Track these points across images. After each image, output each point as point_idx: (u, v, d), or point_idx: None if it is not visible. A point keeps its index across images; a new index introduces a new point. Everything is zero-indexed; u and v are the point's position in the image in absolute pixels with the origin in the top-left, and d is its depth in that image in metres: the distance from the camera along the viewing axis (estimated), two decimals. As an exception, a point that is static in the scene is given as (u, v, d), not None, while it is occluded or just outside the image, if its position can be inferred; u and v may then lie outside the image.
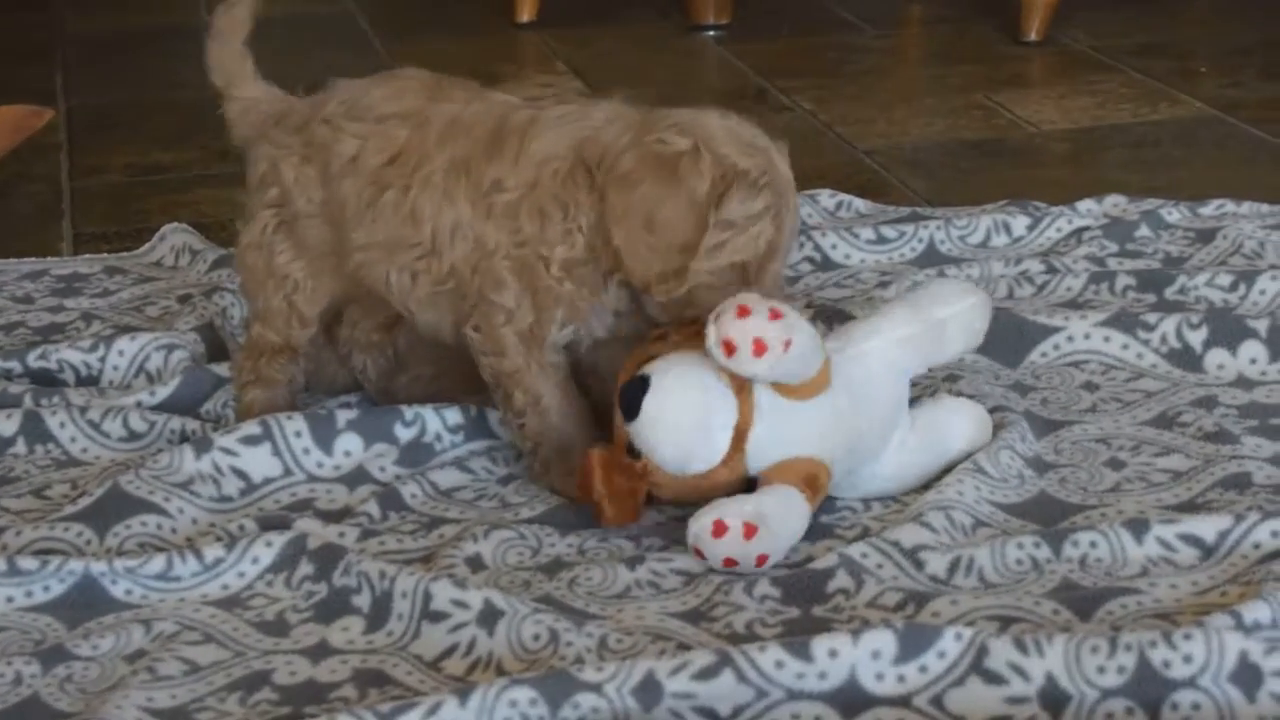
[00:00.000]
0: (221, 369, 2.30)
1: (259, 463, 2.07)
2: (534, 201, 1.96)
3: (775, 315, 1.83)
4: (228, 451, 2.06)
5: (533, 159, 1.96)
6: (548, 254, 1.95)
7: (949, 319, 2.01)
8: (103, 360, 2.36)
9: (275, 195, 2.13)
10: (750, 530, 1.83)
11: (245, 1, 2.19)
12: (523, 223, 1.96)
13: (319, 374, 2.24)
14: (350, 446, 2.09)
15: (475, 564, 1.89)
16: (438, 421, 2.12)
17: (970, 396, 2.14)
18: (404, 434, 2.11)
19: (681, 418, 1.88)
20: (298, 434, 2.09)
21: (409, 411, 2.11)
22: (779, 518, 1.86)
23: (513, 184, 1.96)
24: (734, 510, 1.84)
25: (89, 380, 2.35)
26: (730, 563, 1.84)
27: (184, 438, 2.16)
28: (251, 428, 2.08)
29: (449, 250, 2.00)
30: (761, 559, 1.84)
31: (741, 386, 1.89)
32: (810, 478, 1.91)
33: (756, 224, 1.91)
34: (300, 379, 2.20)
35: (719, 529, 1.83)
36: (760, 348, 1.82)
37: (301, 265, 2.14)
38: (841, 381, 1.93)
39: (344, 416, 2.11)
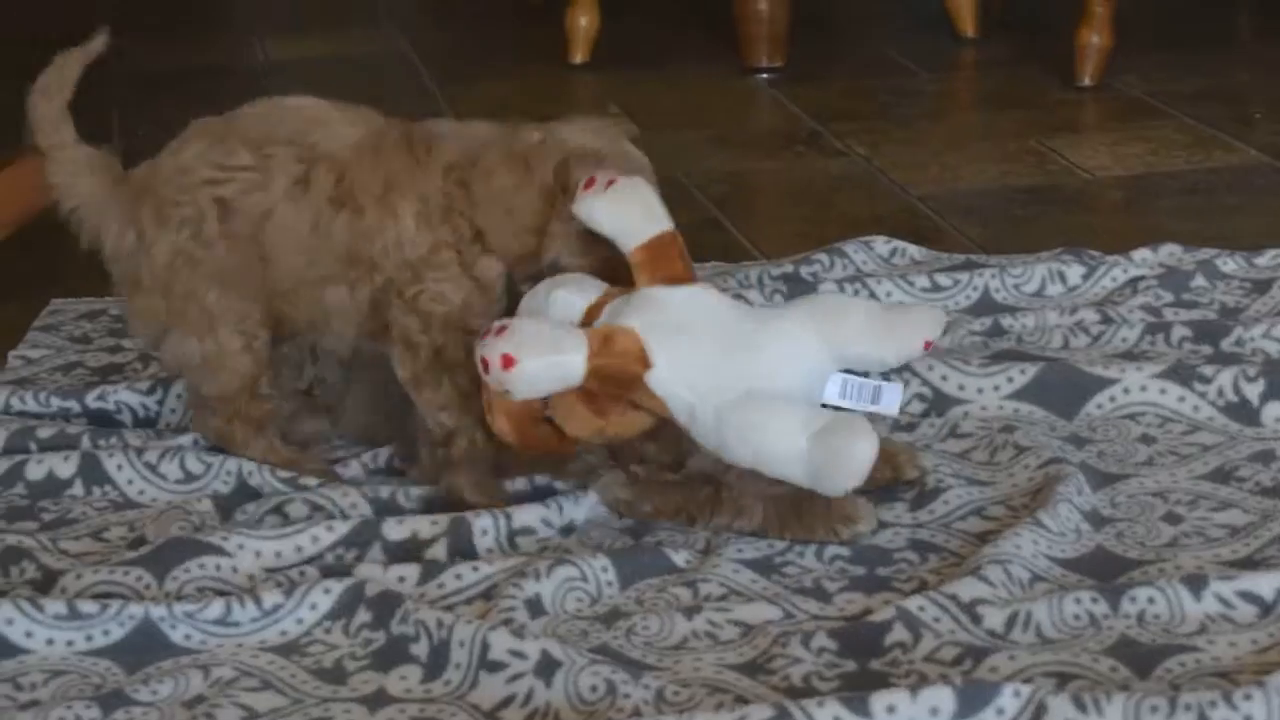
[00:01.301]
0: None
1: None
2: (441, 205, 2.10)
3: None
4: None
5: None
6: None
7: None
8: (160, 403, 2.38)
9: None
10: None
11: (75, 61, 2.19)
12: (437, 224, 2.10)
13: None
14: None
15: (535, 608, 1.89)
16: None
17: (1027, 448, 2.14)
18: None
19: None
20: (354, 506, 2.12)
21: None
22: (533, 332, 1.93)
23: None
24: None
25: (146, 422, 2.37)
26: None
27: (241, 481, 2.17)
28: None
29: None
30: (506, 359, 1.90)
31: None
32: (608, 335, 1.95)
33: None
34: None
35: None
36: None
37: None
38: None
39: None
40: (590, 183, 2.00)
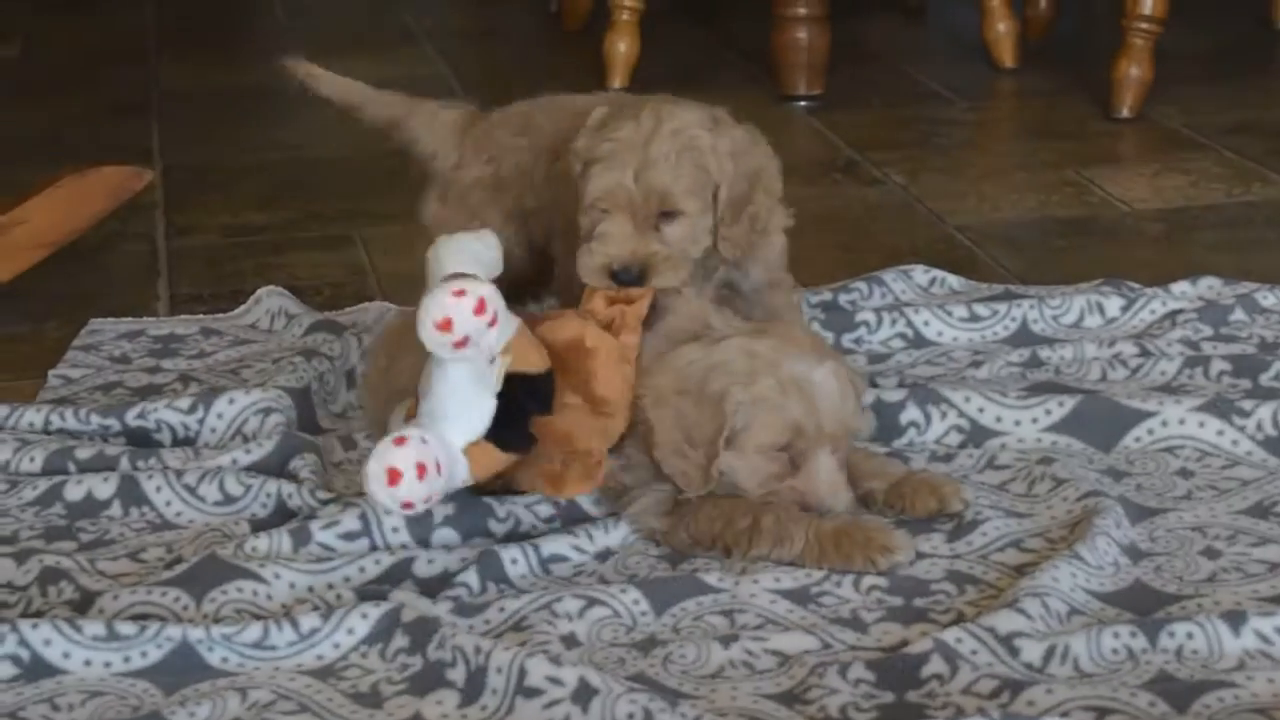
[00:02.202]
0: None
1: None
2: None
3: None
4: (326, 547, 2.08)
5: None
6: None
7: None
8: (201, 422, 2.38)
9: None
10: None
11: None
12: None
13: None
14: (447, 539, 2.11)
15: (570, 641, 1.89)
16: (529, 516, 2.14)
17: (1065, 480, 2.14)
18: (498, 529, 2.12)
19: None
20: (395, 529, 2.10)
21: (500, 508, 2.13)
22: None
23: None
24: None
25: (185, 441, 2.37)
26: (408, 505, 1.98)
27: (280, 503, 2.18)
28: (351, 521, 2.09)
29: None
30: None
31: None
32: None
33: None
34: None
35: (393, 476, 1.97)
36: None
37: None
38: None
39: (441, 512, 2.11)
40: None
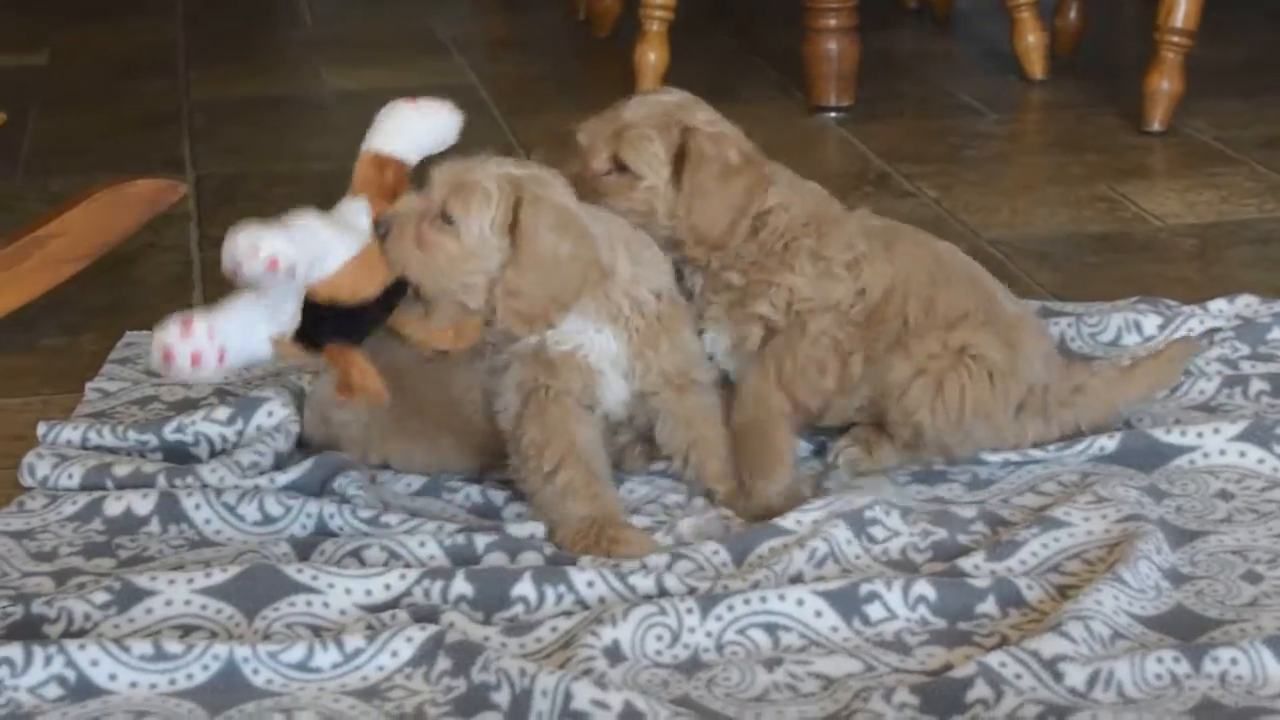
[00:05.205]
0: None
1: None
2: None
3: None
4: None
5: None
6: None
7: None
8: (240, 434, 2.38)
9: None
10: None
11: None
12: None
13: None
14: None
15: (614, 655, 1.89)
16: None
17: (1106, 500, 2.14)
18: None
19: None
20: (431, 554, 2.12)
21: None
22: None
23: None
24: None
25: (224, 454, 2.37)
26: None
27: (321, 523, 2.18)
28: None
29: None
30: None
31: None
32: None
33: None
34: None
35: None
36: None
37: None
38: None
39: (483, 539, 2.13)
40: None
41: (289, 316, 2.13)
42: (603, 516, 2.14)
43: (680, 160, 2.27)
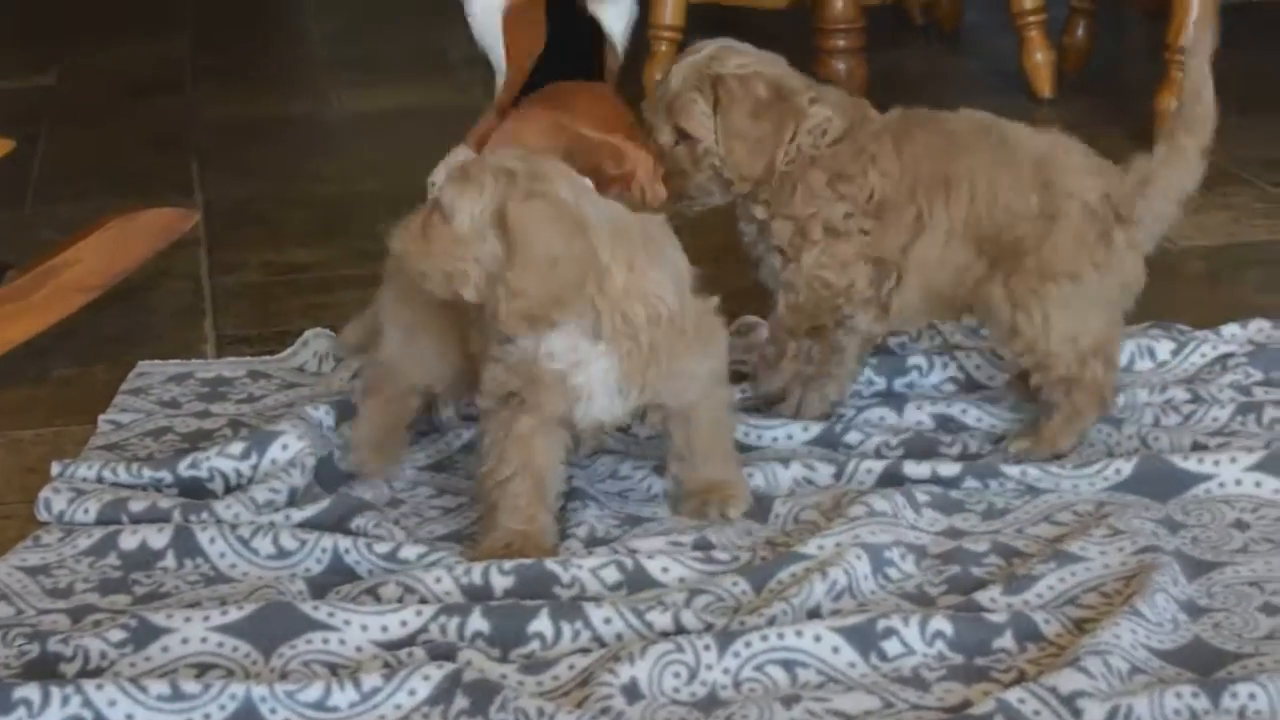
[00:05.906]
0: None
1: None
2: None
3: None
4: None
5: None
6: None
7: None
8: (255, 468, 2.38)
9: None
10: None
11: None
12: None
13: None
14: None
15: (631, 693, 1.89)
16: (595, 582, 2.12)
17: (1122, 532, 2.14)
18: (563, 594, 2.12)
19: None
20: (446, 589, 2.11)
21: (565, 574, 2.12)
22: None
23: None
24: None
25: (239, 489, 2.37)
26: None
27: (336, 558, 2.18)
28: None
29: None
30: None
31: None
32: None
33: None
34: None
35: None
36: None
37: None
38: None
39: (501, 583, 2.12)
40: None
41: None
42: (527, 541, 2.17)
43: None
